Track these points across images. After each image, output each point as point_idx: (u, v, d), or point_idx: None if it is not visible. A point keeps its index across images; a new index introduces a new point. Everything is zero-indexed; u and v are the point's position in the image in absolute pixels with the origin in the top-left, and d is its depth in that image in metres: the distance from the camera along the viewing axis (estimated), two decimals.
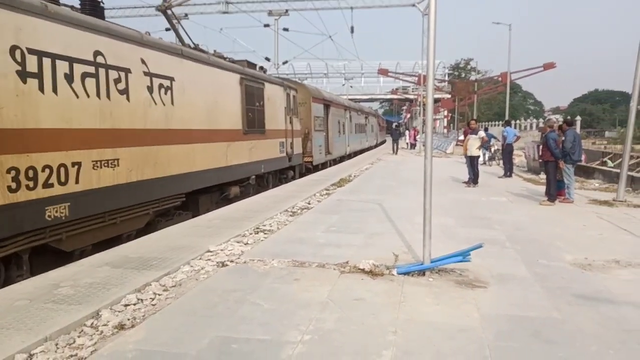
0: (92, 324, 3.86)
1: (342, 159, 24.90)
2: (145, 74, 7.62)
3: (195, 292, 4.62)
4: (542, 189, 11.06)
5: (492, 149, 21.28)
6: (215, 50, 11.53)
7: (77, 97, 6.14)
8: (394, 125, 37.45)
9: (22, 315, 3.90)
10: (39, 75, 5.55)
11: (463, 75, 67.52)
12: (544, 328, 3.79)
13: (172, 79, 8.34)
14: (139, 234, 7.49)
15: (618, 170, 11.71)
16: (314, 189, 12.13)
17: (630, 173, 12.32)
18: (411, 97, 57.19)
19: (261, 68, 14.31)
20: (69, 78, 6.01)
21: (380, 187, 12.86)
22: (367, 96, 61.66)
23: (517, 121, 43.94)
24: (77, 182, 6.08)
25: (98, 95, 6.52)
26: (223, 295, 4.51)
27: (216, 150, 10.03)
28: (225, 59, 11.52)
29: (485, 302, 4.36)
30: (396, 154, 28.69)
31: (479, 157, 14.06)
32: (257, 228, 7.40)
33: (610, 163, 19.64)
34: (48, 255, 6.04)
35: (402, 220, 7.97)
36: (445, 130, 53.71)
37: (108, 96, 6.72)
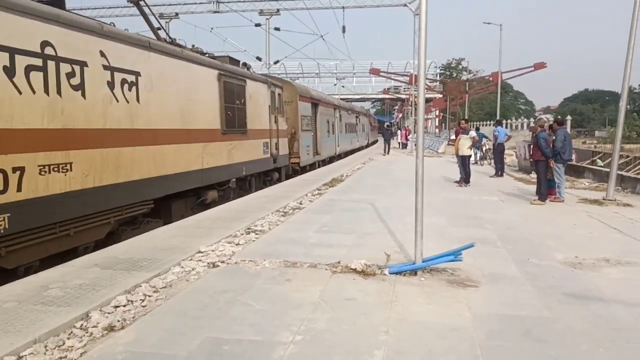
0: (81, 325, 3.82)
1: (331, 159, 24.53)
2: (106, 67, 6.85)
3: (186, 293, 4.59)
4: (533, 188, 11.13)
5: (484, 149, 21.39)
6: (193, 45, 11.00)
7: (20, 93, 5.42)
8: (385, 125, 37.52)
9: (10, 317, 3.86)
10: None
11: (454, 75, 67.85)
12: (534, 327, 3.80)
13: (137, 74, 7.57)
14: (101, 245, 6.75)
15: (608, 170, 11.82)
16: (305, 189, 12.11)
17: (619, 172, 12.46)
18: (403, 96, 57.35)
19: (244, 64, 13.61)
20: (10, 71, 5.29)
21: (372, 187, 12.87)
22: (359, 96, 61.71)
23: (508, 121, 44.18)
24: (19, 189, 5.33)
25: (46, 91, 5.74)
26: (214, 296, 4.48)
27: (190, 151, 9.26)
28: (204, 54, 10.85)
29: (477, 301, 4.37)
30: (388, 154, 28.74)
31: (470, 156, 14.13)
32: (249, 228, 7.37)
33: (600, 162, 19.80)
34: None
35: (394, 220, 7.98)
36: (437, 130, 53.93)
37: (59, 92, 5.95)
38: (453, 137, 21.83)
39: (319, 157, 21.46)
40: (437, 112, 55.47)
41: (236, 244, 6.40)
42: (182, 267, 5.37)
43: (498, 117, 27.50)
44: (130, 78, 7.44)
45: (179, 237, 6.80)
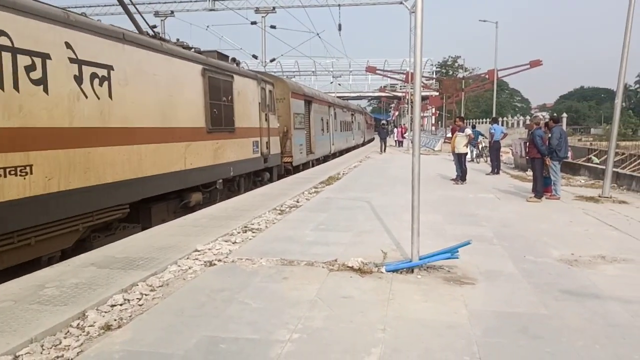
0: (78, 324, 3.80)
1: (326, 158, 24.00)
2: (72, 60, 6.25)
3: (183, 292, 4.59)
4: (529, 185, 11.16)
5: (480, 146, 21.43)
6: (178, 39, 10.58)
7: None
8: (381, 124, 37.53)
9: (6, 317, 3.84)
10: None
11: (451, 72, 68.00)
12: (531, 324, 3.81)
13: (110, 68, 6.98)
14: (69, 254, 6.20)
15: (603, 167, 11.86)
16: (302, 187, 12.11)
17: (615, 169, 12.50)
18: (399, 94, 57.37)
19: (233, 60, 12.90)
20: None
21: (369, 185, 12.88)
22: (355, 94, 61.68)
23: (504, 118, 44.25)
24: None
25: (0, 86, 5.20)
26: (211, 295, 4.48)
27: (171, 151, 8.63)
28: (190, 49, 10.29)
29: (474, 298, 4.38)
30: (384, 152, 28.78)
31: (466, 154, 14.15)
32: (245, 227, 7.37)
33: (595, 159, 19.83)
34: None
35: (390, 218, 7.99)
36: (434, 128, 54.02)
37: (16, 87, 5.36)
38: (450, 135, 21.83)
39: (312, 156, 20.87)
40: (434, 109, 55.55)
41: (233, 243, 6.39)
42: (179, 265, 5.36)
43: (494, 115, 27.58)
44: (102, 72, 6.84)
45: (176, 235, 6.78)
